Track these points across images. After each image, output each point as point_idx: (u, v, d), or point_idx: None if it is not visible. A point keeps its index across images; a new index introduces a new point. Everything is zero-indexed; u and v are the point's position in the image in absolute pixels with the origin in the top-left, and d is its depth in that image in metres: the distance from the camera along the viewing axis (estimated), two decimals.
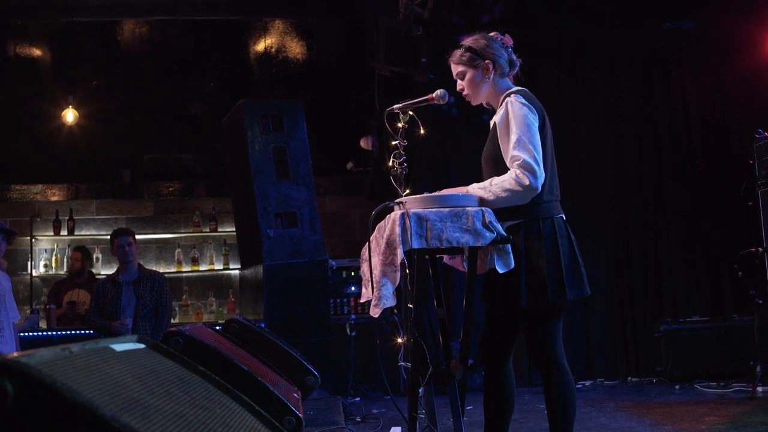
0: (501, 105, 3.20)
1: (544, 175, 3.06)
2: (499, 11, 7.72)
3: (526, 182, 3.01)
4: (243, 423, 1.80)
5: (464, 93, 3.36)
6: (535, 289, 3.07)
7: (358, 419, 5.49)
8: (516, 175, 3.02)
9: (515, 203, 3.08)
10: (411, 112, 3.25)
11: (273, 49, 9.30)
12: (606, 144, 7.98)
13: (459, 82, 3.35)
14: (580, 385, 7.18)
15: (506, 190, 3.03)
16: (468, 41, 3.31)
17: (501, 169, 3.13)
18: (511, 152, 3.06)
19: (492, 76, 3.27)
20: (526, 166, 3.01)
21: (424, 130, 3.36)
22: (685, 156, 8.05)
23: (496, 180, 3.08)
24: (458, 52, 3.32)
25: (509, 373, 3.31)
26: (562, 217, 3.21)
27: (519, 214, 3.12)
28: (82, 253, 8.11)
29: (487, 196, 3.07)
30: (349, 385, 6.85)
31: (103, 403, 1.21)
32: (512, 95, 3.18)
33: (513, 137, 3.07)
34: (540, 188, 3.05)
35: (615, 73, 8.08)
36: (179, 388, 1.65)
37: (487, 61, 3.26)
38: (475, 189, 3.11)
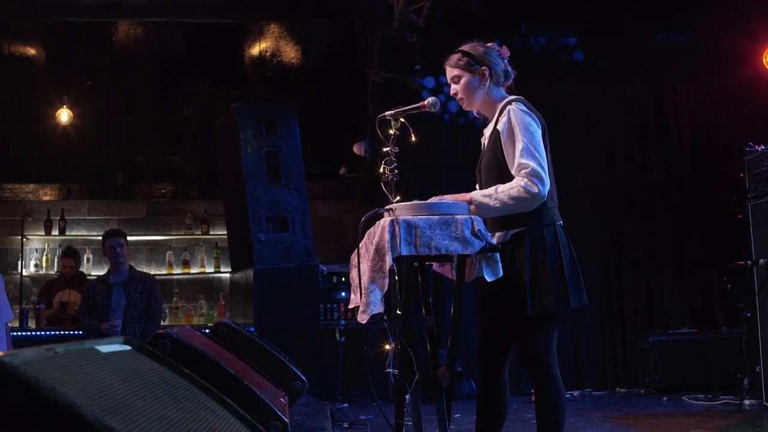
0: (501, 113, 3.20)
1: (549, 182, 3.07)
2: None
3: (535, 190, 3.00)
4: (227, 426, 1.80)
5: (458, 97, 3.35)
6: (540, 296, 3.07)
7: (346, 425, 5.48)
8: (525, 183, 3.01)
9: (520, 211, 3.07)
10: (403, 119, 3.25)
11: (267, 53, 9.31)
12: (596, 154, 8.00)
13: (453, 86, 3.34)
14: (568, 395, 7.18)
15: (513, 197, 3.02)
16: (466, 47, 3.31)
17: (503, 176, 3.13)
18: (519, 160, 3.05)
19: (488, 83, 3.27)
20: (534, 174, 3.01)
21: (415, 137, 3.36)
22: (676, 167, 8.08)
23: (501, 188, 3.06)
24: (455, 57, 3.31)
25: (505, 382, 3.30)
26: (561, 224, 3.21)
27: (523, 221, 3.11)
28: (74, 259, 8.06)
29: (492, 203, 3.06)
30: (337, 390, 6.84)
31: (85, 404, 1.21)
32: (513, 103, 3.19)
33: (519, 145, 3.07)
34: (546, 196, 3.06)
35: (605, 83, 8.09)
36: (163, 391, 1.65)
37: (483, 67, 3.26)
38: (478, 196, 3.09)
